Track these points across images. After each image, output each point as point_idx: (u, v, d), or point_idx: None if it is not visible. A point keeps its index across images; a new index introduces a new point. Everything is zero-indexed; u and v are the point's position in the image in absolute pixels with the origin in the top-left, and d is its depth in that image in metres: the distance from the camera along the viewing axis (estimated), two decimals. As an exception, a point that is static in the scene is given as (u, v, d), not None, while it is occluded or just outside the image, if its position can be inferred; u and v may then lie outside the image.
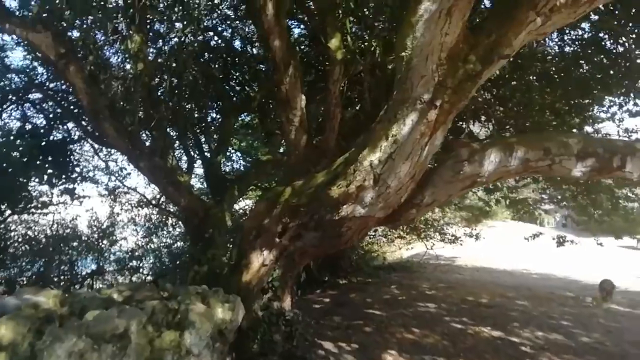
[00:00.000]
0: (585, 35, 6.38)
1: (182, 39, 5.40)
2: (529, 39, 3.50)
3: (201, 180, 10.31)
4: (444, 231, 13.47)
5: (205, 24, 6.22)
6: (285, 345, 4.55)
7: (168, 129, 6.47)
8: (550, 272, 13.78)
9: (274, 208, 4.65)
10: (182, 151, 8.19)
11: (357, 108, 7.27)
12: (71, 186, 7.76)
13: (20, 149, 7.21)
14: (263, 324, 4.53)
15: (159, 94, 6.18)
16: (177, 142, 7.76)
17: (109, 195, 8.95)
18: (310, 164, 5.05)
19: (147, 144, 5.81)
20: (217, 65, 7.39)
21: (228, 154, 9.51)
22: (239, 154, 10.79)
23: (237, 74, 7.96)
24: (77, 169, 7.95)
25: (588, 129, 7.67)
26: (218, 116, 8.33)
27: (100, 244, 8.08)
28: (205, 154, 7.38)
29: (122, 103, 5.22)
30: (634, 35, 5.47)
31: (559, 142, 3.76)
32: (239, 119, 8.34)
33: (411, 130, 3.49)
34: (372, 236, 13.83)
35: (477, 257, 17.03)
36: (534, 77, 6.79)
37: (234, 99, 7.81)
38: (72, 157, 7.80)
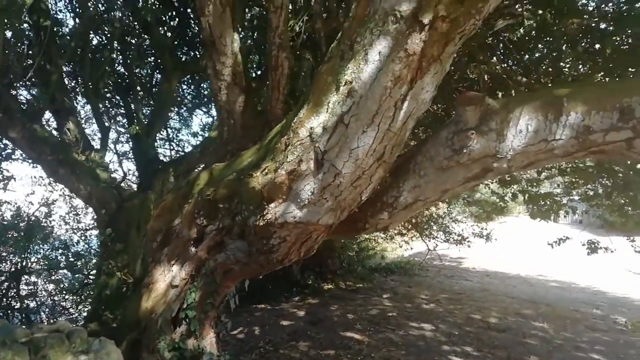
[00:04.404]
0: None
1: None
2: None
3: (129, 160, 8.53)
4: (449, 230, 11.79)
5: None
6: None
7: (65, 82, 4.73)
8: (570, 279, 12.09)
9: (186, 203, 3.13)
10: (93, 118, 6.39)
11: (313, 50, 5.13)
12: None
13: None
14: (165, 375, 3.02)
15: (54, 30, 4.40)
16: (81, 102, 5.95)
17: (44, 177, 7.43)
18: (249, 140, 3.50)
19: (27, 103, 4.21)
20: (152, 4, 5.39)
21: (169, 129, 7.61)
22: (184, 133, 9.03)
23: (183, 15, 5.91)
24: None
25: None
26: (152, 73, 6.45)
27: (29, 238, 6.57)
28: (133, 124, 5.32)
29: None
30: None
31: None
32: (182, 81, 6.53)
33: (378, 71, 1.94)
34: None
35: (486, 258, 15.35)
36: (565, 42, 5.14)
37: (178, 53, 5.93)
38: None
